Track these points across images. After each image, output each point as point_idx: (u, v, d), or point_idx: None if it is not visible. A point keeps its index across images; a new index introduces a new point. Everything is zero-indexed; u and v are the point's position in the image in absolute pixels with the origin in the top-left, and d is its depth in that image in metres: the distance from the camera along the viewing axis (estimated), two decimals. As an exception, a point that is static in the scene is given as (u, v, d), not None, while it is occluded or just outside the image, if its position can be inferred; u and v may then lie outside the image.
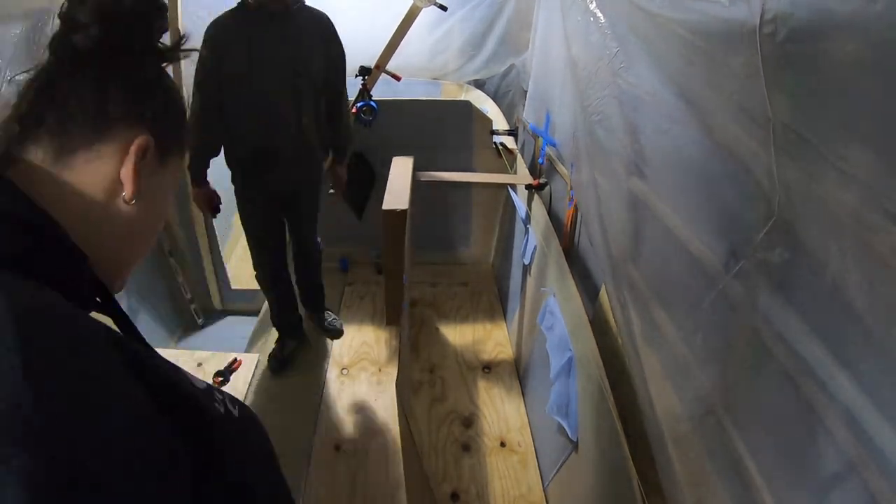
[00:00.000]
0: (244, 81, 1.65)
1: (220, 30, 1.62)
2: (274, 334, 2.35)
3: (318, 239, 2.18)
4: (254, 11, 1.60)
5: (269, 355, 2.19)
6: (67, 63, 0.44)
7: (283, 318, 2.19)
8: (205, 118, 1.71)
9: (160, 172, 0.48)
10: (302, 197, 1.95)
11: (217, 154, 1.81)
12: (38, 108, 0.43)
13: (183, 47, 0.50)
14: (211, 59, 1.63)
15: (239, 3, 1.64)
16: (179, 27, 2.04)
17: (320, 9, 1.76)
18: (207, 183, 1.85)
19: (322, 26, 1.74)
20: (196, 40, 2.34)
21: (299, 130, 1.76)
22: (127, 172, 0.44)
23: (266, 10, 1.60)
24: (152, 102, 0.47)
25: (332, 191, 2.10)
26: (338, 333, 2.38)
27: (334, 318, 2.40)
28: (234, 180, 1.87)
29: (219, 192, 1.90)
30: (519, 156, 2.43)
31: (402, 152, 2.27)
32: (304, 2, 1.69)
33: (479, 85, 3.20)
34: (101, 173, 0.43)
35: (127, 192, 0.44)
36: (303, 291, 2.33)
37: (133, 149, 0.44)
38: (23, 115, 0.43)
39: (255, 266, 2.03)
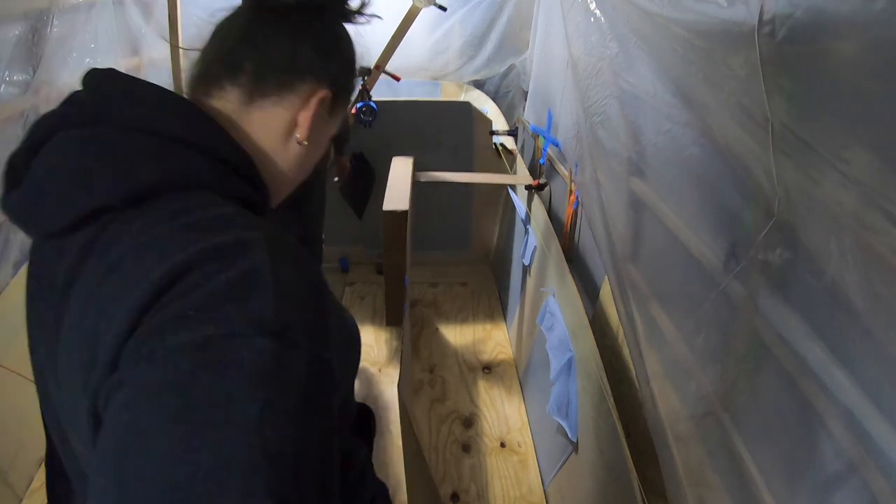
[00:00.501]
0: None
1: None
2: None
3: (343, 248, 2.20)
4: None
5: None
6: (267, 18, 0.49)
7: None
8: None
9: (327, 121, 0.55)
10: (314, 190, 1.94)
11: None
12: (237, 55, 0.49)
13: (364, 12, 0.56)
14: None
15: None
16: (179, 28, 2.04)
17: None
18: None
19: None
20: (192, 41, 2.34)
21: None
22: (306, 119, 0.50)
23: None
24: (336, 60, 0.53)
25: (335, 179, 2.12)
26: None
27: None
28: None
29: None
30: (519, 156, 2.43)
31: (402, 153, 2.27)
32: None
33: (478, 85, 3.20)
34: (283, 117, 0.50)
35: (301, 134, 0.50)
36: None
37: (315, 100, 0.50)
38: (221, 58, 0.49)
39: None
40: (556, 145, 1.93)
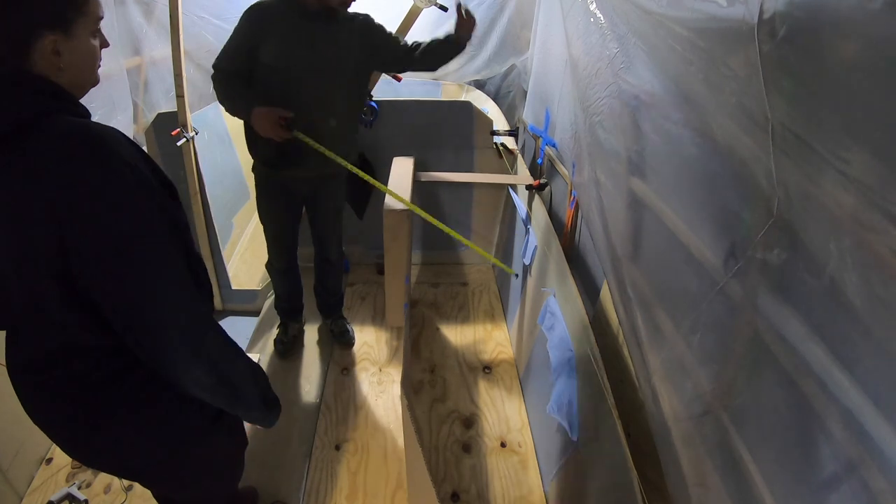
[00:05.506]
0: (277, 75, 1.62)
1: (261, 15, 1.60)
2: (274, 334, 2.35)
3: (343, 248, 2.17)
4: (298, 5, 1.60)
5: (275, 340, 2.29)
6: None
7: (289, 303, 2.26)
8: (230, 80, 1.64)
9: (74, 42, 0.76)
10: (321, 199, 1.97)
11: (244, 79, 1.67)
12: None
13: None
14: (245, 41, 1.60)
15: None
16: (180, 27, 2.04)
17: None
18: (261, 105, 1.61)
19: (362, 28, 1.72)
20: (193, 40, 2.34)
21: (327, 131, 1.73)
22: (52, 61, 0.74)
23: (308, 8, 1.60)
24: (22, 12, 0.70)
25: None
26: (349, 344, 2.36)
27: (349, 326, 2.40)
28: (254, 170, 1.86)
29: (228, 186, 1.86)
30: (519, 156, 2.43)
31: (403, 152, 2.27)
32: (347, 7, 1.69)
33: (479, 85, 3.20)
34: (48, 65, 0.75)
35: (63, 65, 0.76)
36: (319, 299, 2.33)
37: (48, 48, 0.73)
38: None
39: (270, 257, 2.09)
40: (553, 145, 1.93)
